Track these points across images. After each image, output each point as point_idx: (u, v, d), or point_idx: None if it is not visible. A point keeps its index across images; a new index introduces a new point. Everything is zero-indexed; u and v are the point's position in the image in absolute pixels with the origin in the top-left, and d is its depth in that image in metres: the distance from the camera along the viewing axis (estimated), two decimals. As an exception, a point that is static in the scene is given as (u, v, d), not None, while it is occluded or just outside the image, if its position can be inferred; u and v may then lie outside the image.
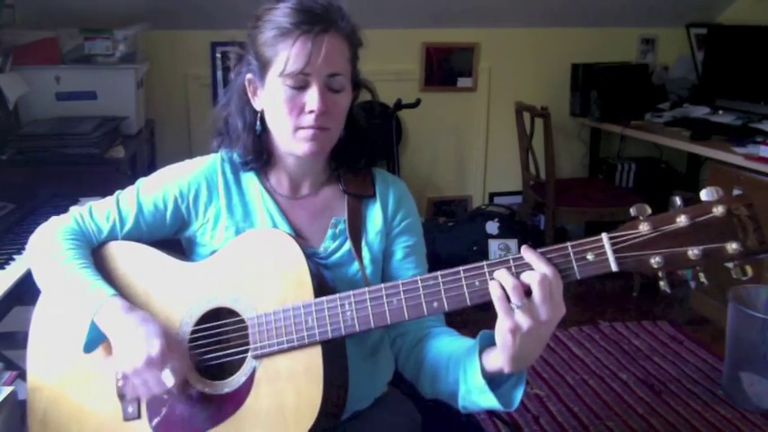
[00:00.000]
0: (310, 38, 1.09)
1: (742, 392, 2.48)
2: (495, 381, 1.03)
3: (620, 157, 4.04)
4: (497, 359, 0.99)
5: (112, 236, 1.22)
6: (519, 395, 1.03)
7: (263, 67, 1.14)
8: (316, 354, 1.06)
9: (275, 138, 1.20)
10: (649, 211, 0.93)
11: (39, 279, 1.19)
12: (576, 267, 0.95)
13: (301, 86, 1.12)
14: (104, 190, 1.32)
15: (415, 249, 1.28)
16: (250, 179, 1.25)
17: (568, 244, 0.96)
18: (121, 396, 1.15)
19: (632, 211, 0.93)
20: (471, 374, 1.04)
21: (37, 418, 1.18)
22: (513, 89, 3.85)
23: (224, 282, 1.14)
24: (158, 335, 1.06)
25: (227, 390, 1.10)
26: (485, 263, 0.98)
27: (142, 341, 1.06)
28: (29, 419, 1.19)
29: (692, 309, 3.26)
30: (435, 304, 1.00)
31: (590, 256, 0.94)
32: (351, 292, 1.05)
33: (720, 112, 3.53)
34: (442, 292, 1.00)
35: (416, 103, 3.44)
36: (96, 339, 1.12)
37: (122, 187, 1.26)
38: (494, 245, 3.45)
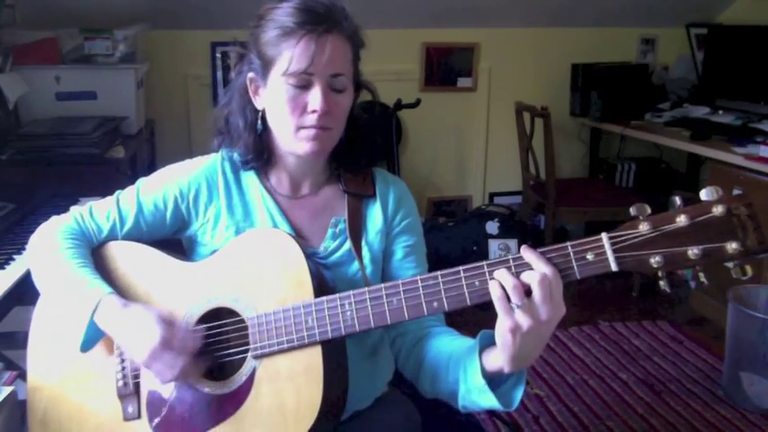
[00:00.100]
0: (314, 38, 1.10)
1: (742, 392, 2.48)
2: (494, 381, 1.03)
3: (620, 157, 4.04)
4: (497, 359, 0.99)
5: (112, 235, 1.22)
6: (519, 395, 1.03)
7: (266, 66, 1.14)
8: (316, 354, 1.06)
9: (276, 137, 1.20)
10: (649, 210, 0.93)
11: (38, 278, 1.19)
12: (575, 267, 0.95)
13: (304, 86, 1.12)
14: (104, 190, 1.32)
15: (415, 249, 1.28)
16: (250, 179, 1.25)
17: (568, 244, 0.96)
18: (122, 396, 1.15)
19: (632, 210, 0.93)
20: (471, 374, 1.04)
21: (37, 418, 1.18)
22: (513, 89, 3.85)
23: (224, 282, 1.14)
24: (157, 321, 1.06)
25: (227, 390, 1.10)
26: (485, 263, 0.98)
27: (144, 332, 1.06)
28: (29, 419, 1.19)
29: (692, 309, 3.26)
30: (435, 304, 1.00)
31: (590, 256, 0.94)
32: (351, 292, 1.05)
33: (720, 112, 3.53)
34: (442, 292, 1.00)
35: (416, 103, 3.45)
36: (93, 338, 1.12)
37: (122, 187, 1.26)
38: (494, 245, 3.45)
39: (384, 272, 1.26)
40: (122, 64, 2.81)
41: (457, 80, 3.85)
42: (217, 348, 1.13)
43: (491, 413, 2.31)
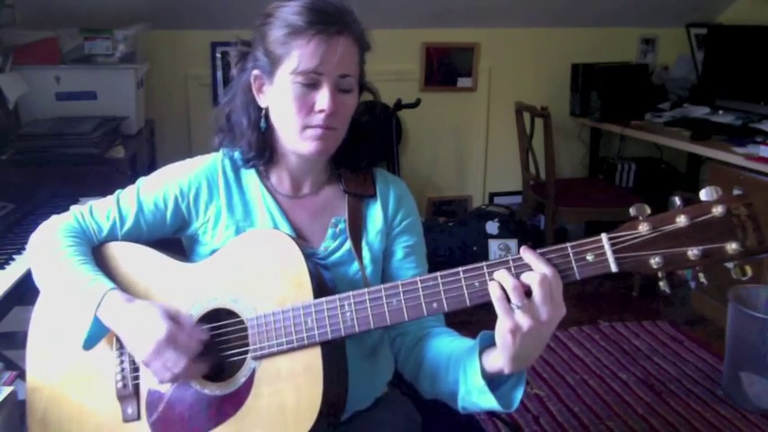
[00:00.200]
0: (325, 38, 1.10)
1: (742, 392, 2.48)
2: (494, 381, 1.03)
3: (620, 157, 4.04)
4: (497, 360, 0.99)
5: (112, 235, 1.22)
6: (519, 396, 1.03)
7: (274, 64, 1.14)
8: (315, 354, 1.06)
9: (280, 135, 1.19)
10: (649, 211, 0.93)
11: (38, 277, 1.19)
12: (575, 268, 0.95)
13: (312, 85, 1.12)
14: (104, 190, 1.32)
15: (416, 249, 1.28)
16: (251, 178, 1.25)
17: (568, 244, 0.96)
18: (121, 397, 1.15)
19: (632, 211, 0.93)
20: (471, 375, 1.04)
21: (36, 418, 1.18)
22: (513, 89, 3.85)
23: (223, 283, 1.14)
24: (162, 317, 1.07)
25: (226, 391, 1.10)
26: (484, 263, 0.98)
27: (148, 327, 1.06)
28: (28, 419, 1.19)
29: (692, 309, 3.26)
30: (435, 305, 1.00)
31: (589, 257, 0.94)
32: (350, 293, 1.05)
33: (720, 112, 3.53)
34: (442, 293, 1.00)
35: (416, 103, 3.45)
36: (97, 335, 1.12)
37: (122, 187, 1.26)
38: (494, 245, 3.45)
39: (384, 272, 1.26)
40: (122, 64, 2.81)
41: (457, 80, 3.85)
42: (216, 349, 1.13)
43: (491, 413, 2.31)
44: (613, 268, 0.93)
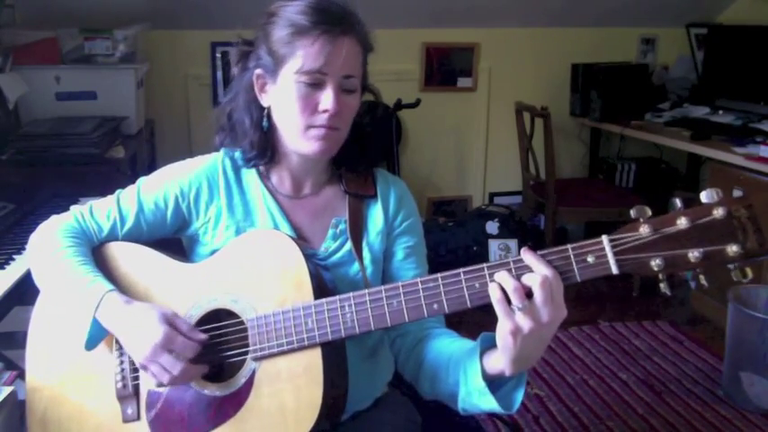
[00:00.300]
0: (330, 39, 1.10)
1: (742, 392, 2.48)
2: (495, 383, 1.03)
3: (620, 157, 4.04)
4: (498, 361, 0.99)
5: (113, 234, 1.22)
6: (519, 397, 1.03)
7: (277, 63, 1.13)
8: (316, 355, 1.06)
9: (282, 135, 1.19)
10: (650, 212, 0.93)
11: (38, 277, 1.19)
12: (576, 269, 0.95)
13: (316, 85, 1.12)
14: (104, 190, 1.32)
15: (416, 250, 1.28)
16: (251, 178, 1.24)
17: (569, 246, 0.95)
18: (121, 398, 1.15)
19: (633, 212, 0.93)
20: (472, 376, 1.04)
21: (36, 419, 1.18)
22: (513, 89, 3.85)
23: (223, 283, 1.14)
24: (159, 320, 1.06)
25: (227, 391, 1.10)
26: (485, 265, 0.98)
27: (145, 331, 1.06)
28: (28, 420, 1.19)
29: (692, 309, 3.26)
30: (435, 306, 1.00)
31: (590, 259, 0.94)
32: (350, 294, 1.05)
33: (720, 112, 3.53)
34: (443, 294, 1.00)
35: (416, 103, 3.45)
36: (97, 336, 1.12)
37: (122, 187, 1.26)
38: (494, 245, 3.45)
39: (384, 273, 1.26)
40: (122, 64, 2.81)
41: (457, 80, 3.85)
42: (216, 350, 1.13)
43: (491, 414, 2.30)
44: (614, 270, 0.93)
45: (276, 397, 1.07)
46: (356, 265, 1.21)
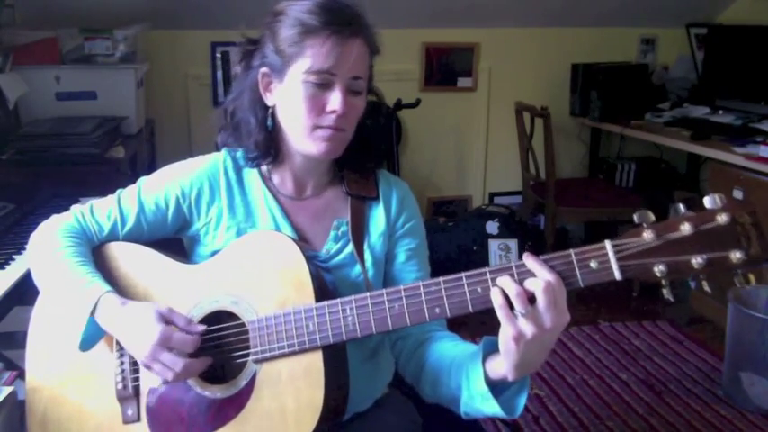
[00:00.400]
0: (340, 39, 1.09)
1: (742, 392, 2.48)
2: (497, 387, 1.03)
3: (620, 157, 4.04)
4: (501, 366, 0.99)
5: (113, 234, 1.22)
6: (522, 402, 1.03)
7: (285, 62, 1.13)
8: (317, 358, 1.06)
9: (287, 135, 1.19)
10: (653, 218, 0.92)
11: (37, 276, 1.18)
12: (579, 275, 0.94)
13: (324, 85, 1.11)
14: (104, 190, 1.31)
15: (418, 252, 1.27)
16: (253, 179, 1.24)
17: (571, 251, 0.95)
18: (121, 398, 1.14)
19: (636, 218, 0.93)
20: (474, 380, 1.03)
21: (36, 419, 1.18)
22: (513, 89, 3.85)
23: (224, 284, 1.13)
24: (155, 319, 1.06)
25: (227, 393, 1.10)
26: (487, 269, 0.97)
27: (142, 331, 1.06)
28: (28, 420, 1.18)
29: (692, 309, 3.26)
30: (437, 310, 1.00)
31: (593, 264, 0.94)
32: (352, 297, 1.04)
33: (720, 112, 3.53)
34: (445, 298, 0.99)
35: (416, 103, 3.44)
36: (93, 337, 1.11)
37: (122, 187, 1.25)
38: (494, 245, 3.45)
39: (386, 275, 1.26)
40: (122, 64, 2.80)
41: (457, 80, 3.84)
42: (217, 351, 1.13)
43: (491, 414, 2.30)
44: (617, 276, 0.93)
45: (277, 399, 1.06)
46: (357, 268, 1.20)
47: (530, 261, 0.95)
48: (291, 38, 1.11)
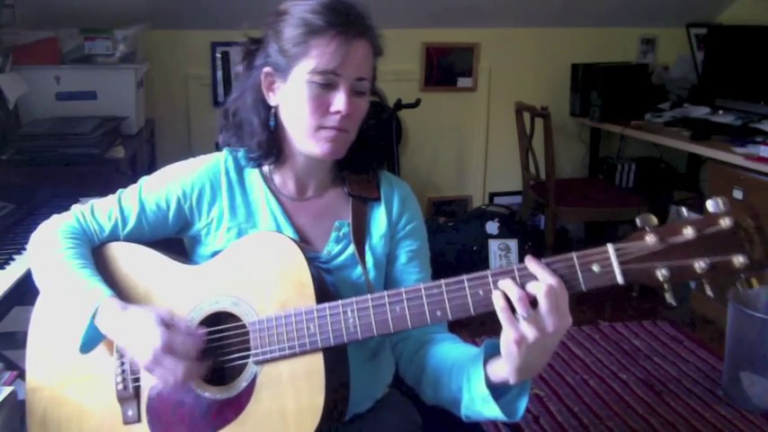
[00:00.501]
0: (345, 40, 1.09)
1: (742, 392, 2.48)
2: (498, 390, 1.02)
3: (620, 157, 4.04)
4: (502, 369, 0.99)
5: (114, 235, 1.21)
6: (523, 406, 1.03)
7: (289, 62, 1.12)
8: (317, 359, 1.05)
9: (290, 135, 1.18)
10: (656, 221, 0.92)
11: (38, 277, 1.18)
12: (581, 278, 0.94)
13: (328, 85, 1.11)
14: (105, 190, 1.31)
15: (419, 254, 1.27)
16: (254, 179, 1.24)
17: (573, 254, 0.95)
18: (121, 399, 1.14)
19: (638, 221, 0.92)
20: (475, 383, 1.03)
21: (36, 419, 1.18)
22: (513, 89, 3.85)
23: (225, 285, 1.13)
24: (156, 323, 1.05)
25: (228, 395, 1.09)
26: (489, 272, 0.97)
27: (143, 336, 1.05)
28: (28, 420, 1.18)
29: (692, 309, 3.26)
30: (439, 313, 0.99)
31: (595, 268, 0.93)
32: (353, 299, 1.04)
33: (720, 112, 3.52)
34: (446, 301, 0.99)
35: (416, 103, 3.44)
36: (93, 340, 1.11)
37: (122, 187, 1.25)
38: (494, 245, 3.45)
39: (387, 276, 1.25)
40: (122, 64, 2.80)
41: (457, 80, 3.84)
42: (218, 353, 1.13)
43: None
44: (620, 280, 0.92)
45: (277, 401, 1.06)
46: (359, 269, 1.20)
47: (532, 264, 0.95)
48: (296, 38, 1.11)
